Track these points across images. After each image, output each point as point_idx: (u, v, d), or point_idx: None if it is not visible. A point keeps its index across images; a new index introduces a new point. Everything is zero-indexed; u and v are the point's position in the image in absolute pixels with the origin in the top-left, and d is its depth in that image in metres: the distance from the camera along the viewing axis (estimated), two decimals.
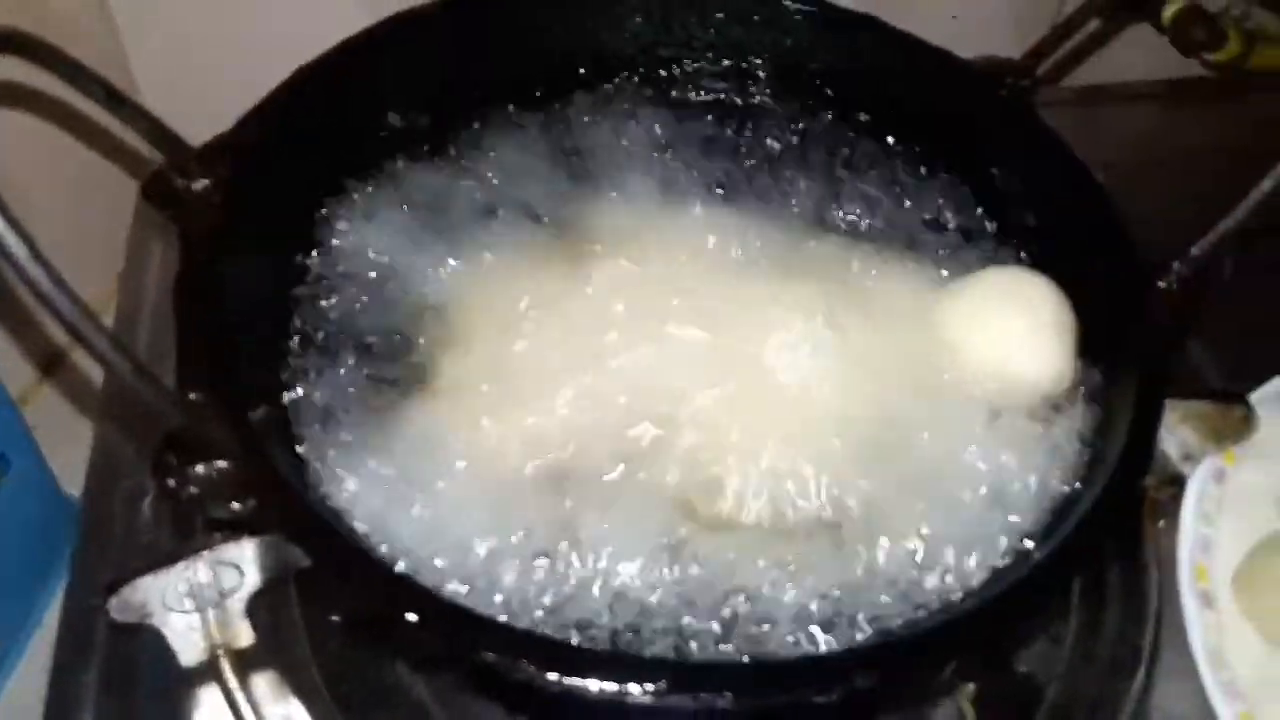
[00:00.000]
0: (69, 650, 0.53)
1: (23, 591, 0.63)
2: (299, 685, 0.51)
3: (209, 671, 0.49)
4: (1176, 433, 0.56)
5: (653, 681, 0.37)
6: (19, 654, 0.63)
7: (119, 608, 0.45)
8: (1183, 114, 0.92)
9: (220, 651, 0.49)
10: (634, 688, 0.37)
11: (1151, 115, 0.92)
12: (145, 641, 0.50)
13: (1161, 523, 0.59)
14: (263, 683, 0.51)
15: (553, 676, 0.37)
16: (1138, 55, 0.89)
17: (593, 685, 0.37)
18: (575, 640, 0.43)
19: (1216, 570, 0.57)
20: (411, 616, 0.37)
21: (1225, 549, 0.58)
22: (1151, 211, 0.55)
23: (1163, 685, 0.55)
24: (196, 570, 0.46)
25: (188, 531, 0.56)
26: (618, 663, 0.40)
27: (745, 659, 0.42)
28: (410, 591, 0.40)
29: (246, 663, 0.50)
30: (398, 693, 0.52)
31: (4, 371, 0.62)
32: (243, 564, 0.47)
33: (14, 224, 0.35)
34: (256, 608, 0.50)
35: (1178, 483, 0.59)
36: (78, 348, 0.75)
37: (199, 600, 0.47)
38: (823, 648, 0.44)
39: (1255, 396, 0.59)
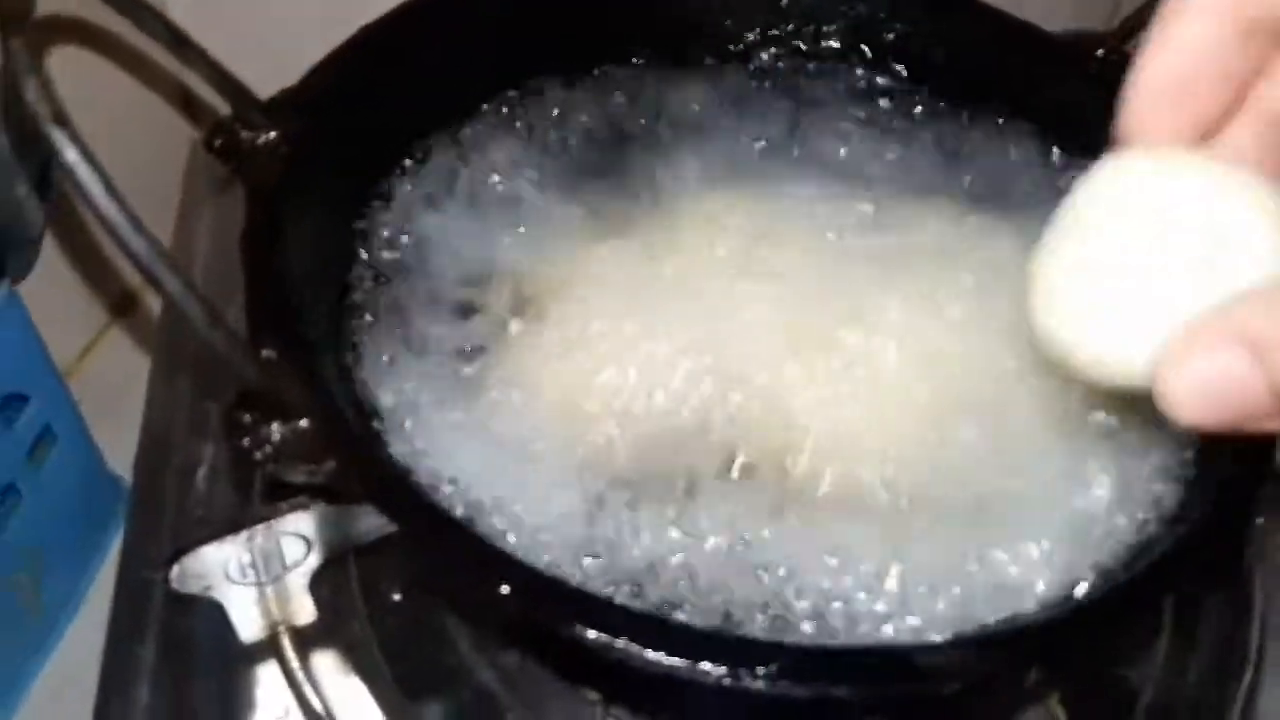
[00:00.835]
0: (125, 623, 0.50)
1: (68, 567, 0.61)
2: (359, 664, 0.49)
3: (268, 648, 0.47)
4: None
5: (764, 665, 0.34)
6: (60, 633, 0.61)
7: (179, 578, 0.43)
8: None
9: (281, 628, 0.47)
10: (743, 672, 0.34)
11: None
12: (201, 615, 0.47)
13: (1261, 520, 0.56)
14: (322, 661, 0.49)
15: (653, 656, 0.35)
16: None
17: (698, 667, 0.34)
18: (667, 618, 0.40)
19: None
20: (505, 589, 0.35)
21: None
22: None
23: (1270, 688, 0.52)
24: (261, 540, 0.44)
25: (245, 503, 0.53)
26: (724, 645, 0.37)
27: (862, 646, 0.40)
28: (504, 563, 0.37)
29: (306, 640, 0.48)
30: (461, 673, 0.50)
31: (50, 344, 0.60)
32: (308, 535, 0.45)
33: (90, 158, 0.33)
34: (319, 582, 0.47)
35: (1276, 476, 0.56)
36: (120, 323, 0.73)
37: (262, 573, 0.45)
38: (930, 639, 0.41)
39: None
